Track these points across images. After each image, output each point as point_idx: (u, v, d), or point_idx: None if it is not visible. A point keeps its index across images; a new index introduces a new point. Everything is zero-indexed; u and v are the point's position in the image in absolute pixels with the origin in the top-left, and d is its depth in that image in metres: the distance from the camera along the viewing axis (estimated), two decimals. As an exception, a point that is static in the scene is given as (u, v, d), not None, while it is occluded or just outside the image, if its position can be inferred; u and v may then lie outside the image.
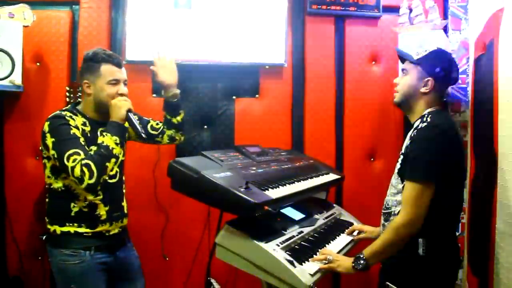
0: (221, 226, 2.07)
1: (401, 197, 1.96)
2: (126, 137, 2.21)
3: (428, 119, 1.95)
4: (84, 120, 2.21)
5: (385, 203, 2.10)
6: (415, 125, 2.02)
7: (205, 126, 3.25)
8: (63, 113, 2.17)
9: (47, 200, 2.24)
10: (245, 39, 3.17)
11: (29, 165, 3.03)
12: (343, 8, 3.28)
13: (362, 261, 1.92)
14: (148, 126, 2.52)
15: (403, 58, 2.18)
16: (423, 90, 2.04)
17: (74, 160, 1.98)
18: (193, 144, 3.20)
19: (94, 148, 2.05)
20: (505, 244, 2.19)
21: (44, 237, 2.28)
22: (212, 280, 2.41)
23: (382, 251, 1.94)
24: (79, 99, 2.77)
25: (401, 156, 2.03)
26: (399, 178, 2.01)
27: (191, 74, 3.19)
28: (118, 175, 2.28)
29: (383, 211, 2.11)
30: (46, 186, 2.22)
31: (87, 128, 2.19)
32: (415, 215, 1.85)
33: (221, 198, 1.91)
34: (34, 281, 3.02)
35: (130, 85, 3.03)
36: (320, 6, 3.25)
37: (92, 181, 1.98)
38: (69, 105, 2.29)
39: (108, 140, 2.06)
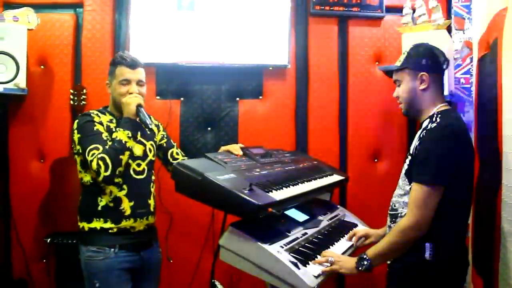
0: (225, 228, 2.07)
1: (408, 198, 1.92)
2: (138, 130, 2.27)
3: (438, 119, 1.91)
4: (111, 118, 2.33)
5: (391, 204, 2.06)
6: (423, 125, 1.96)
7: (209, 128, 3.26)
8: (91, 111, 2.32)
9: (80, 197, 2.32)
10: (248, 40, 3.18)
11: (34, 168, 3.05)
12: (346, 9, 3.28)
13: (365, 262, 1.90)
14: (169, 152, 2.56)
15: (390, 71, 2.16)
16: (422, 87, 1.99)
17: (92, 154, 2.10)
18: (197, 146, 3.21)
19: (110, 143, 2.15)
20: (509, 244, 2.18)
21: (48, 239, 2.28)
22: (216, 282, 2.41)
23: (387, 253, 1.92)
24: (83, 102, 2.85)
25: (409, 157, 1.98)
26: (407, 179, 1.96)
27: (194, 76, 3.21)
28: (145, 172, 2.34)
29: (389, 212, 2.07)
30: (80, 181, 2.30)
31: (113, 125, 2.29)
32: (422, 217, 1.81)
33: (225, 200, 1.90)
34: (39, 284, 3.04)
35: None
36: (323, 7, 3.26)
37: (108, 173, 2.08)
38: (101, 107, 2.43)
39: (121, 134, 2.15)
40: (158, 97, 3.20)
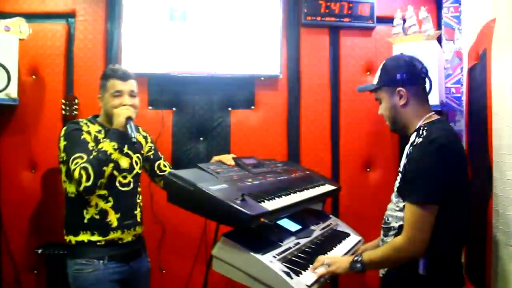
0: (217, 238, 2.07)
1: (401, 214, 1.87)
2: (125, 142, 2.23)
3: (424, 133, 1.84)
4: (100, 128, 2.31)
5: (385, 217, 2.02)
6: (411, 140, 1.91)
7: (201, 138, 3.26)
8: (80, 119, 2.33)
9: (64, 210, 2.28)
10: (240, 50, 3.19)
11: (24, 178, 3.03)
12: (338, 19, 3.30)
13: (359, 265, 1.88)
14: (156, 164, 2.56)
15: (369, 91, 2.13)
16: (401, 102, 1.96)
17: (76, 163, 2.08)
18: (189, 156, 3.21)
19: (95, 153, 2.12)
20: (501, 253, 2.19)
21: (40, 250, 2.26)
22: (209, 293, 2.40)
23: (380, 264, 1.91)
24: (75, 112, 2.84)
25: (399, 175, 1.92)
26: (399, 196, 1.91)
27: (186, 86, 3.22)
28: (132, 184, 2.32)
29: (382, 225, 2.03)
30: (64, 193, 2.26)
31: (101, 136, 2.27)
32: (418, 239, 1.76)
33: (217, 210, 1.90)
34: (30, 295, 3.01)
35: (126, 97, 3.05)
36: (314, 18, 3.28)
37: (89, 183, 2.05)
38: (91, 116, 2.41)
39: (106, 145, 2.12)
40: (150, 107, 3.20)
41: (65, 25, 3.14)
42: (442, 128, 1.88)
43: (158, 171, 2.54)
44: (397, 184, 1.95)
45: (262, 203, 2.00)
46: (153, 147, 2.57)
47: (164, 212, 3.07)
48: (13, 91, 2.79)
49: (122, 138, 2.17)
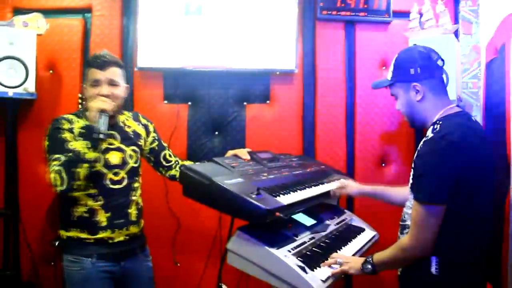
0: (232, 232, 2.08)
1: None
2: (113, 136, 2.18)
3: (438, 127, 1.77)
4: (86, 123, 2.19)
5: (402, 214, 1.98)
6: (426, 133, 1.82)
7: (216, 132, 3.26)
8: (65, 115, 2.22)
9: (59, 204, 2.27)
10: (256, 45, 3.18)
11: (42, 171, 3.04)
12: (353, 14, 3.27)
13: (369, 266, 1.88)
14: (161, 154, 2.51)
15: (384, 86, 2.08)
16: (418, 98, 1.89)
17: (52, 166, 2.00)
18: (204, 150, 3.22)
19: (70, 154, 2.02)
20: (518, 249, 2.17)
21: (57, 242, 2.27)
22: (224, 286, 2.41)
23: (390, 264, 1.89)
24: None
25: (412, 170, 1.86)
26: (412, 193, 1.85)
27: (202, 80, 3.22)
28: (125, 181, 2.24)
29: (400, 222, 2.00)
30: None
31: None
32: (422, 239, 1.73)
33: (233, 204, 1.91)
34: (47, 287, 3.04)
35: (142, 91, 3.09)
36: (330, 12, 3.26)
37: (63, 187, 1.97)
38: (81, 109, 2.31)
39: (78, 145, 2.01)
40: (165, 102, 3.21)
41: (81, 20, 3.16)
42: (458, 123, 1.80)
43: (164, 162, 2.50)
44: (410, 180, 1.90)
45: (278, 197, 2.01)
46: (157, 137, 2.50)
47: (179, 205, 3.08)
48: (31, 85, 2.81)
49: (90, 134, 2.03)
